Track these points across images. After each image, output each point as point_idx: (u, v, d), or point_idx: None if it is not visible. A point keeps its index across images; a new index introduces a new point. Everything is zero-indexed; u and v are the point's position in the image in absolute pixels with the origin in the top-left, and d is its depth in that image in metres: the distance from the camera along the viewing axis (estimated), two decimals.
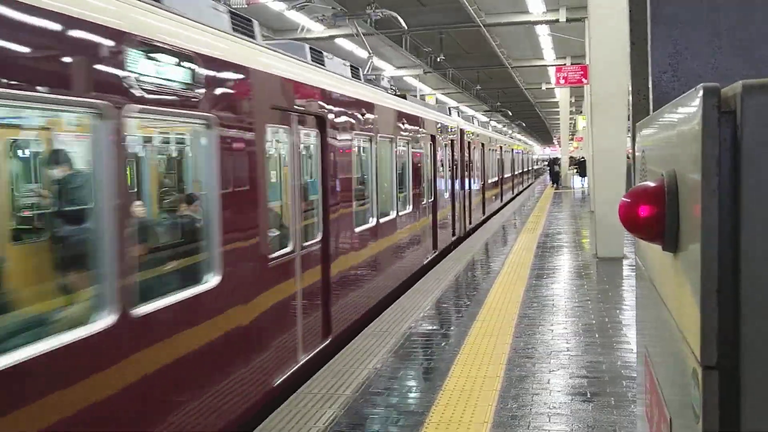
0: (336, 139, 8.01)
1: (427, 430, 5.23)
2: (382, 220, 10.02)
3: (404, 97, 13.18)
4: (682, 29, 2.49)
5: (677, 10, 2.50)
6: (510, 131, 55.30)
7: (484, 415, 5.43)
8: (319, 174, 7.64)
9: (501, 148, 29.48)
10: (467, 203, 18.98)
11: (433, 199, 14.04)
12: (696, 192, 1.25)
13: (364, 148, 9.78)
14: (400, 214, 11.23)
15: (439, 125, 15.12)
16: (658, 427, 1.76)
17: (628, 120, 13.04)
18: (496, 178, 27.55)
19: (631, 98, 2.73)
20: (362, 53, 28.85)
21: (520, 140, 55.55)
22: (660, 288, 1.81)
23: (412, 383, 6.49)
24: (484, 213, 22.82)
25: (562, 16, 22.73)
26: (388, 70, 32.69)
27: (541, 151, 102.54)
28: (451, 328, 8.31)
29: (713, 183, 1.20)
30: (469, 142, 19.28)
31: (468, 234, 18.46)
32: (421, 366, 6.98)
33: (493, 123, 58.44)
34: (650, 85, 2.49)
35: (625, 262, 12.78)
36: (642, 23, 2.70)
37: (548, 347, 7.33)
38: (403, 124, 11.49)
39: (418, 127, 12.72)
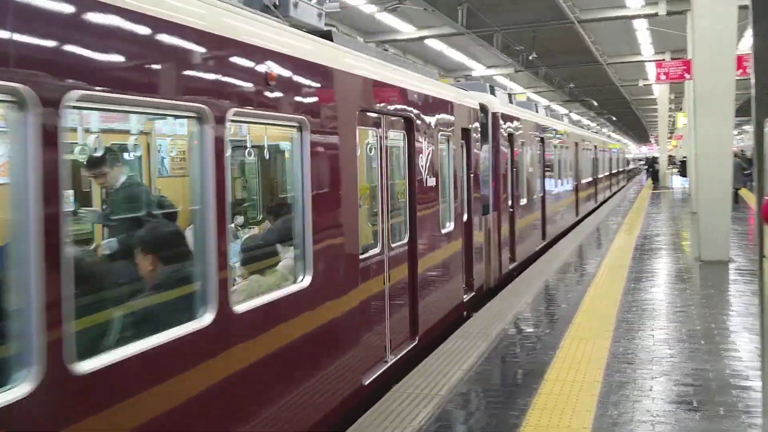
0: None
1: None
2: (178, 333, 3.80)
3: (328, 37, 6.14)
4: None
5: None
6: (596, 126, 53.29)
7: (583, 421, 5.29)
8: None
9: (577, 144, 22.72)
10: (508, 229, 12.56)
11: (408, 237, 7.41)
12: None
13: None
14: (292, 292, 5.00)
15: (430, 100, 8.26)
16: None
17: (737, 116, 12.40)
18: (570, 186, 21.01)
19: (754, 93, 2.57)
20: (454, 53, 28.74)
21: (610, 137, 53.14)
22: None
23: (506, 386, 6.40)
24: (544, 237, 16.24)
25: (661, 9, 21.86)
26: (479, 70, 32.44)
27: (636, 150, 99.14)
28: (546, 331, 8.14)
29: None
30: (510, 135, 12.88)
31: (510, 277, 12.14)
32: (516, 368, 6.87)
33: (585, 122, 56.93)
34: None
35: (731, 265, 12.16)
36: (766, 15, 2.56)
37: (649, 353, 7.06)
38: (311, 90, 5.33)
39: (361, 100, 6.26)
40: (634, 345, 7.36)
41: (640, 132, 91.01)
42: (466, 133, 9.75)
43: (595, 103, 40.78)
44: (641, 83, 36.19)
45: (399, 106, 7.29)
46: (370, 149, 6.79)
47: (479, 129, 10.67)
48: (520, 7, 22.12)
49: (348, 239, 5.83)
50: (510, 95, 14.92)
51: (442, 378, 6.45)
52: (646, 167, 56.58)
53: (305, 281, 5.10)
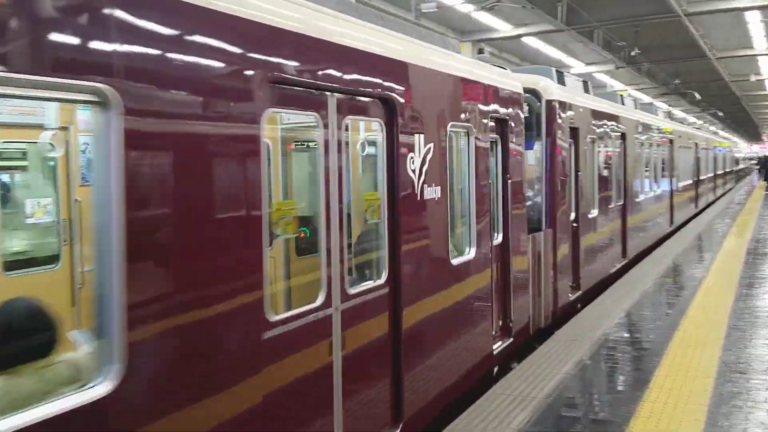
0: None
1: None
2: None
3: None
4: None
5: None
6: (702, 123, 50.50)
7: None
8: None
9: (672, 142, 19.38)
10: (569, 249, 9.86)
11: (387, 277, 4.98)
12: None
13: None
14: (71, 410, 2.57)
15: (433, 76, 5.79)
16: None
17: None
18: (662, 190, 17.65)
19: None
20: (551, 51, 28.16)
21: (716, 134, 50.04)
22: None
23: (608, 392, 6.23)
24: (624, 254, 13.17)
25: None
26: (578, 67, 31.64)
27: (747, 149, 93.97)
28: (650, 337, 7.86)
29: None
30: (575, 129, 10.11)
31: (572, 310, 9.75)
32: (618, 374, 6.67)
33: (691, 119, 54.42)
34: None
35: None
36: None
37: (763, 363, 6.70)
38: (125, 39, 2.91)
39: (276, 66, 3.89)
40: (746, 354, 6.99)
41: (751, 129, 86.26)
42: (501, 124, 7.27)
43: (698, 96, 38.82)
44: (753, 78, 34.27)
45: (368, 81, 4.81)
46: (303, 145, 4.60)
47: (524, 120, 8.03)
48: (623, 2, 21.40)
49: (235, 296, 3.49)
50: (585, 83, 12.03)
51: (540, 381, 6.35)
52: (758, 167, 53.52)
53: (103, 386, 2.73)
